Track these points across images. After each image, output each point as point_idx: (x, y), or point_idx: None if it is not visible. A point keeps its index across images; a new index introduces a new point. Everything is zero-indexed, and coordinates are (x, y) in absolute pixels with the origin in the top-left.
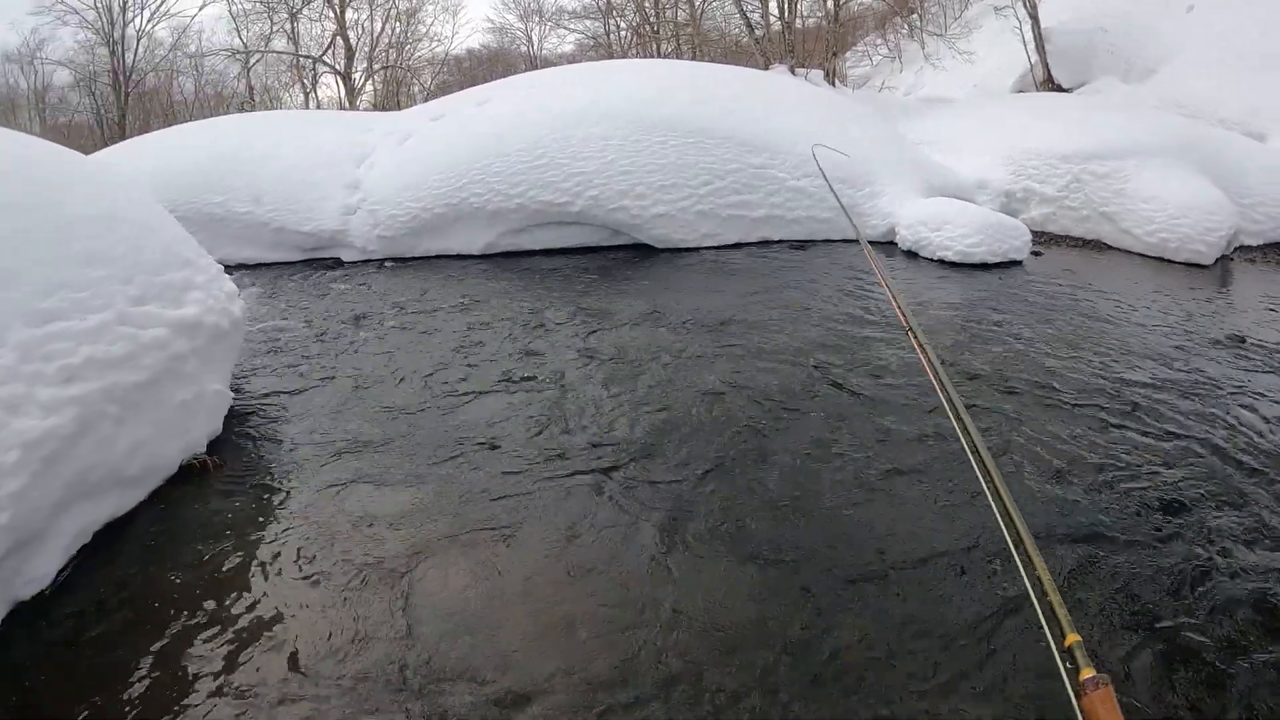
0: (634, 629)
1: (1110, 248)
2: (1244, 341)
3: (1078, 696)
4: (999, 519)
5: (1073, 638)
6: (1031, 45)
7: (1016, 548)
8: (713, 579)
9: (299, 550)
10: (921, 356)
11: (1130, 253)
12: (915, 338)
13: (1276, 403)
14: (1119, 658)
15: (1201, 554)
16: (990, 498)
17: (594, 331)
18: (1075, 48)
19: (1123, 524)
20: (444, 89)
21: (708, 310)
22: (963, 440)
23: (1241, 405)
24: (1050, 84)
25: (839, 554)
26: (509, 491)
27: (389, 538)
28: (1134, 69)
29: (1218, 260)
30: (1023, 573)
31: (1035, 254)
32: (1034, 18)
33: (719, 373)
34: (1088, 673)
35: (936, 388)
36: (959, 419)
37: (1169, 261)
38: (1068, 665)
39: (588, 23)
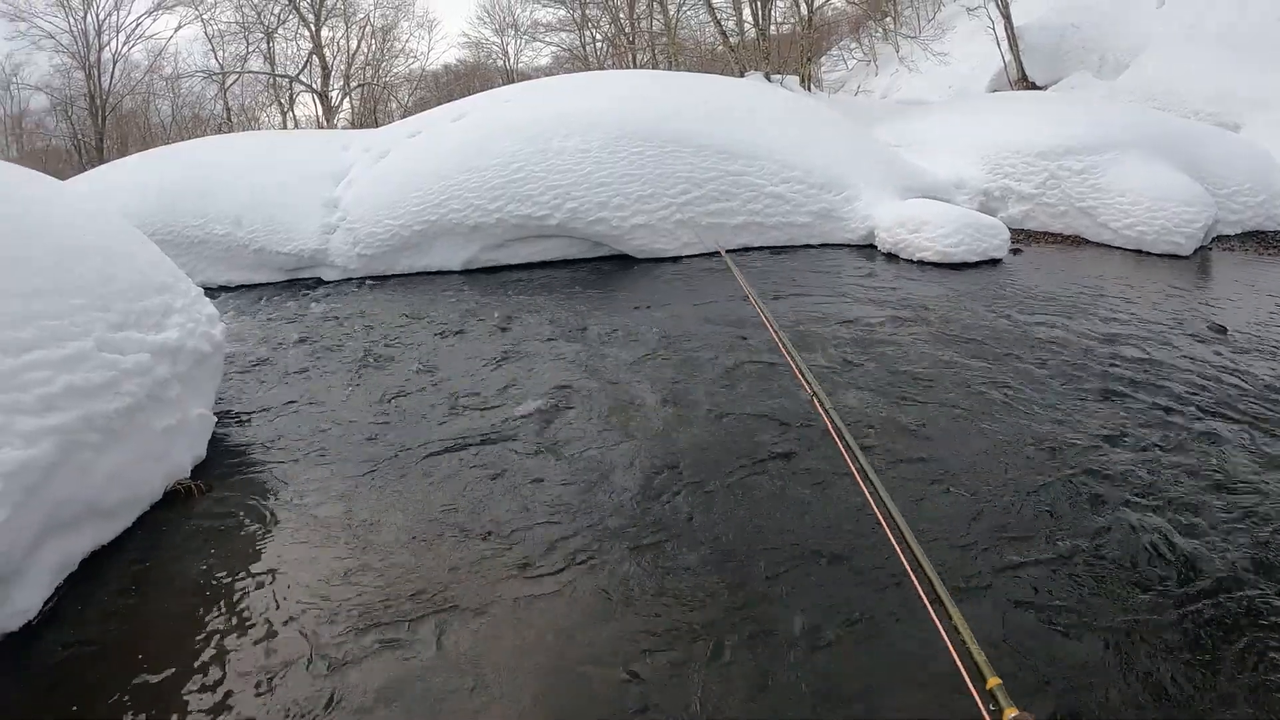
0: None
1: (1089, 242)
2: (1225, 332)
3: None
4: (906, 568)
5: (993, 681)
6: (1005, 44)
7: (933, 603)
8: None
9: (286, 575)
10: (808, 388)
11: (1109, 247)
12: (793, 362)
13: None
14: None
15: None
16: (896, 546)
17: (570, 347)
18: (1048, 45)
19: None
20: (421, 105)
21: (682, 324)
22: (863, 486)
23: (1230, 404)
24: (1025, 82)
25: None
26: (500, 515)
27: (376, 562)
28: (1107, 64)
29: (1196, 251)
30: (937, 622)
31: (1015, 251)
32: (1006, 17)
33: (695, 388)
34: (1011, 712)
35: (831, 432)
36: (855, 461)
37: (1147, 254)
38: (991, 708)
39: (563, 35)
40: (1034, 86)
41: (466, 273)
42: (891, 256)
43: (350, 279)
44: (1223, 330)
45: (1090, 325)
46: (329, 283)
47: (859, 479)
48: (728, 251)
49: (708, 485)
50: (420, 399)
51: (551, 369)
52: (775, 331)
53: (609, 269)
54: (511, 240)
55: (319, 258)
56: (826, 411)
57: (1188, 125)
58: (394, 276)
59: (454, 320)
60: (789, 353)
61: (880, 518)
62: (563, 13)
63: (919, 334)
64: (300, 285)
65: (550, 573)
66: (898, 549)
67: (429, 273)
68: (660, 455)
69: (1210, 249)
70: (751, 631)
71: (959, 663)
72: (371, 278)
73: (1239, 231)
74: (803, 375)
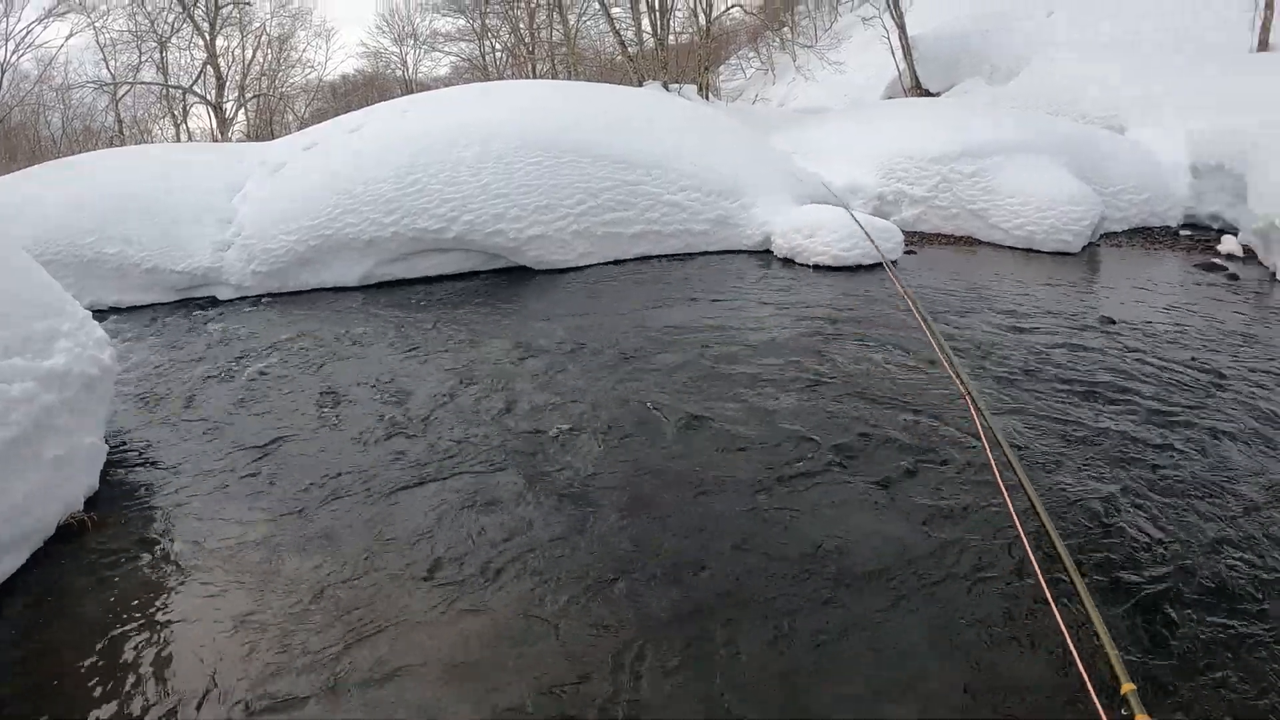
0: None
1: (981, 243)
2: (1113, 323)
3: None
4: (1035, 563)
5: (1128, 686)
6: (899, 53)
7: (1057, 600)
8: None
9: (182, 607)
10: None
11: (1001, 246)
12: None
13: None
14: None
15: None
16: (1026, 537)
17: (463, 363)
18: (941, 54)
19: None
20: (319, 116)
21: (577, 334)
22: (996, 476)
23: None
24: (919, 89)
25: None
26: (396, 532)
27: (270, 587)
28: (998, 71)
29: (1085, 248)
30: (1062, 627)
31: (909, 253)
32: (901, 27)
33: (589, 399)
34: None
35: (981, 434)
36: (1000, 455)
37: (1038, 252)
38: (1123, 713)
39: (463, 45)
40: (928, 93)
41: (365, 288)
42: (788, 261)
43: (246, 297)
44: (1111, 321)
45: (987, 319)
46: (224, 301)
47: (999, 479)
48: (625, 261)
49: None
50: (318, 422)
51: (447, 385)
52: (932, 334)
53: (507, 281)
54: (409, 254)
55: (213, 276)
56: (979, 411)
57: (1076, 128)
58: (290, 294)
59: (350, 338)
60: (942, 351)
61: (1011, 506)
62: (462, 22)
63: (825, 331)
64: (194, 305)
65: (450, 583)
66: (1026, 543)
67: (326, 289)
68: (580, 468)
69: (1099, 245)
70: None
71: (1080, 665)
72: (267, 295)
73: (1126, 228)
74: (958, 377)
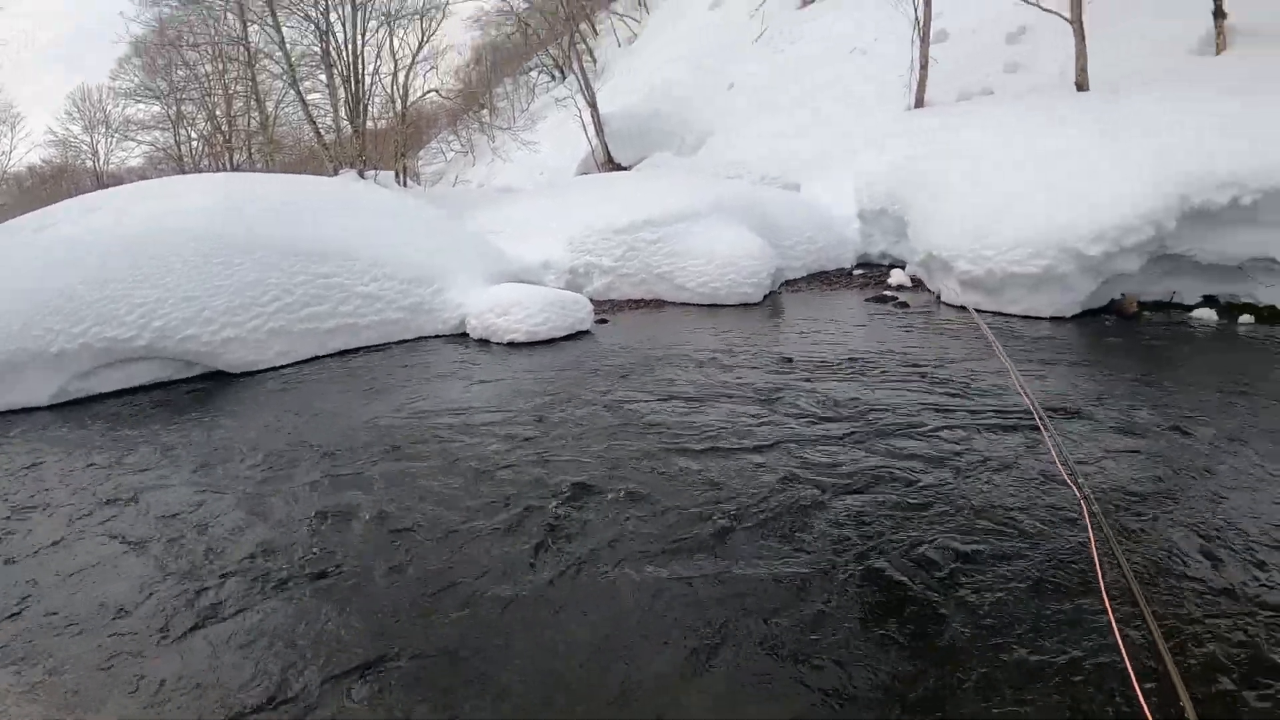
0: None
1: (670, 304)
2: (791, 361)
3: None
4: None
5: None
6: (591, 130)
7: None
8: None
9: None
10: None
11: (688, 305)
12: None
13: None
14: None
15: None
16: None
17: (142, 485)
18: (632, 129)
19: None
20: (3, 212)
21: (270, 440)
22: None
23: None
24: (611, 164)
25: None
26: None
27: None
28: (686, 143)
29: (767, 296)
30: None
31: (601, 321)
32: (593, 106)
33: (280, 515)
34: None
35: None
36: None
37: (723, 306)
38: None
39: (157, 134)
40: (620, 167)
41: (56, 407)
42: (484, 342)
43: None
44: (789, 360)
45: (670, 373)
46: None
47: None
48: (325, 357)
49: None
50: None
51: (119, 514)
52: (1028, 397)
53: (207, 389)
54: (102, 366)
55: None
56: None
57: (753, 189)
58: None
59: (31, 467)
60: (1040, 417)
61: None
62: (157, 109)
63: (518, 405)
64: None
65: None
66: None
67: (16, 410)
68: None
69: (780, 293)
70: None
71: None
72: None
73: (804, 274)
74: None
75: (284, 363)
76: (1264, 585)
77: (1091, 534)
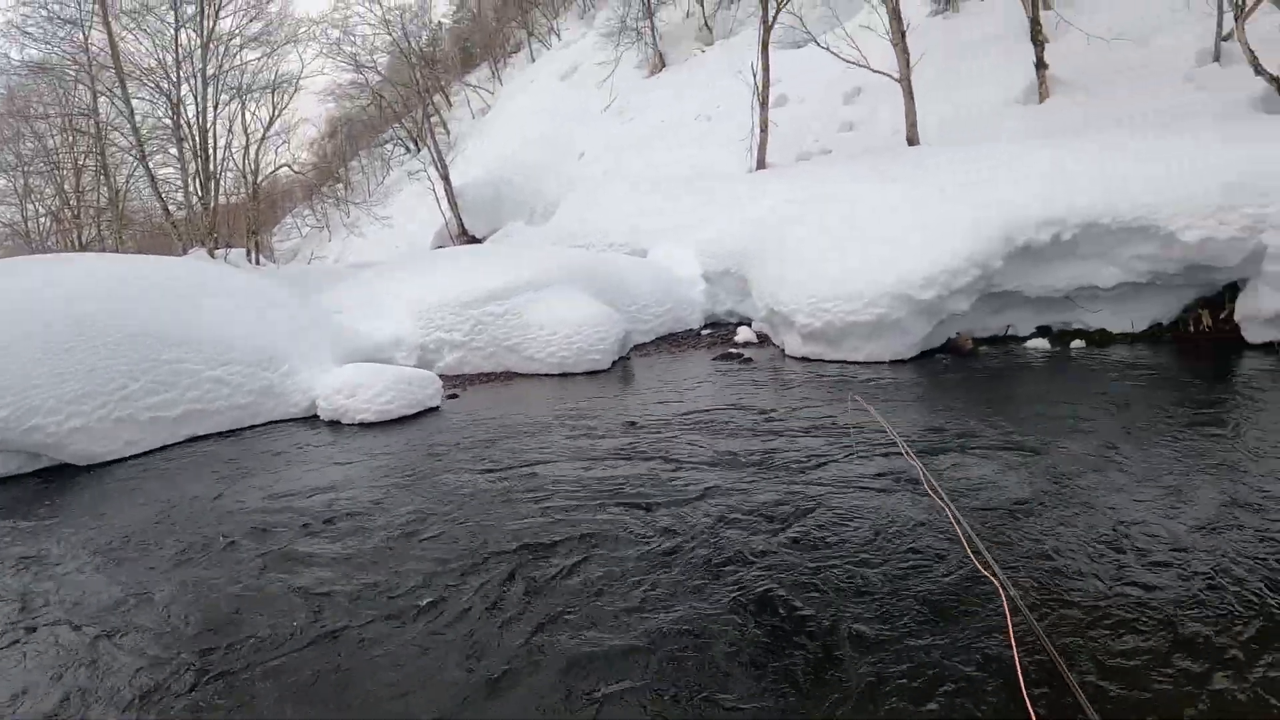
0: None
1: (520, 375)
2: (635, 424)
3: None
4: None
5: None
6: (445, 203)
7: None
8: None
9: None
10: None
11: (538, 375)
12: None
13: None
14: None
15: None
16: None
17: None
18: (485, 200)
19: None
20: None
21: (109, 540)
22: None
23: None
24: (465, 235)
25: None
26: None
27: None
28: (537, 212)
29: (615, 362)
30: None
31: (451, 397)
32: (445, 179)
33: (118, 618)
34: None
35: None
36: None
37: (573, 374)
38: None
39: (2, 208)
40: (474, 239)
41: None
42: (335, 424)
43: None
44: (633, 424)
45: (514, 444)
46: None
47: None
48: (174, 445)
49: None
50: None
51: None
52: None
53: (53, 482)
54: None
55: None
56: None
57: (599, 257)
58: None
59: None
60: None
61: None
62: (3, 182)
63: (364, 487)
64: None
65: None
66: None
67: None
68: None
69: (630, 358)
70: None
71: None
72: None
73: (654, 338)
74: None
75: (133, 453)
76: (1125, 573)
77: (964, 540)
